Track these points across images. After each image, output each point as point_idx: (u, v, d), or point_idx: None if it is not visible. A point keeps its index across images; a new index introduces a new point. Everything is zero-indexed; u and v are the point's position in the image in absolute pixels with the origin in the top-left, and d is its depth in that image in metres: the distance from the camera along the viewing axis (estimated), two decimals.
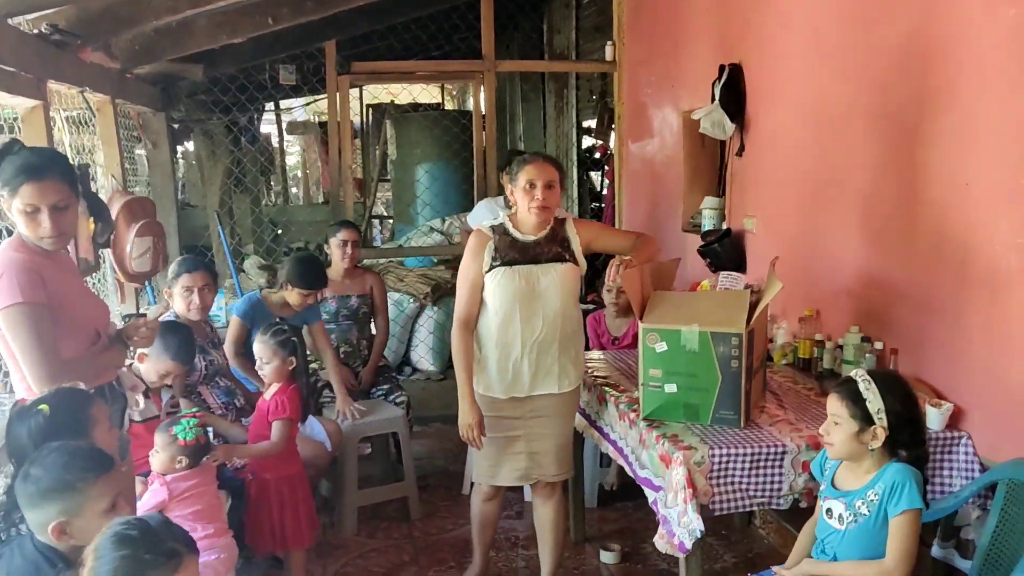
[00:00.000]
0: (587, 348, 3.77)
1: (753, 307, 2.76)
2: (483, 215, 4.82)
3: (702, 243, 4.19)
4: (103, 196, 3.87)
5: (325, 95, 5.54)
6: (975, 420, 2.64)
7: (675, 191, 4.87)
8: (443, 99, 12.52)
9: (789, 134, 3.68)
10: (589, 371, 3.40)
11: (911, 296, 2.92)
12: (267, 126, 10.88)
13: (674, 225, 4.86)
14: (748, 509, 2.66)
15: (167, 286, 3.64)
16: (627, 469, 2.97)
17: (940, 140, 2.73)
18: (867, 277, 3.18)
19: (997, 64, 2.48)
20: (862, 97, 3.13)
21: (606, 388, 3.19)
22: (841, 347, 3.15)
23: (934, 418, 2.62)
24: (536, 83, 8.68)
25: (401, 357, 6.58)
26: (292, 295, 3.92)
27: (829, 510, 2.24)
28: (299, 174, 13.95)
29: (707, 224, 4.40)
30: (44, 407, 2.05)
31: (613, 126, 5.97)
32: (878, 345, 3.01)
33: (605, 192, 6.32)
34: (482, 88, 5.65)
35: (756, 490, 2.59)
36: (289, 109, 11.42)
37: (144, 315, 3.12)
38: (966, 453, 2.62)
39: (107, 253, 3.88)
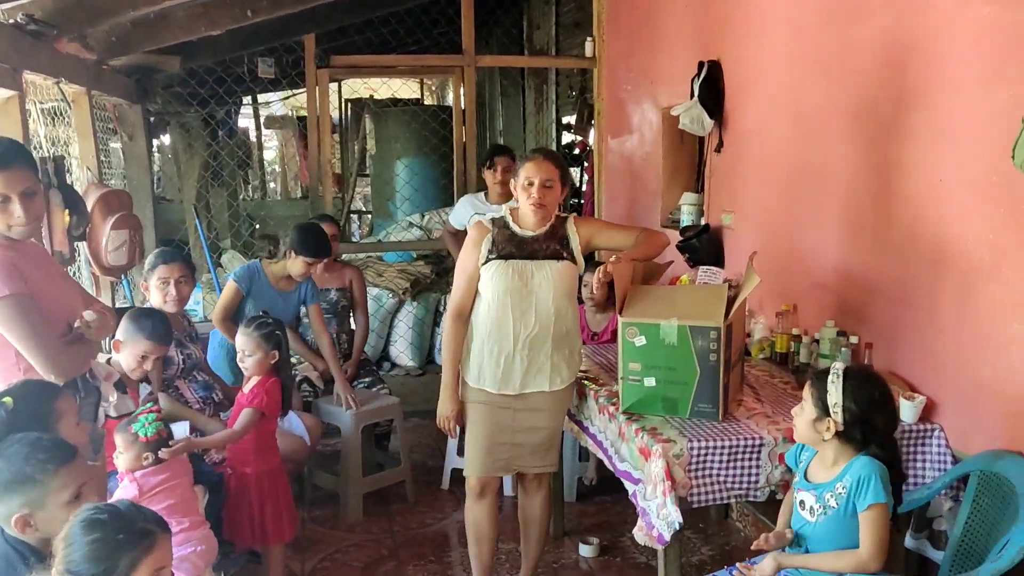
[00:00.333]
0: None
1: (731, 302, 2.79)
2: (464, 212, 4.82)
3: (681, 238, 4.22)
4: (78, 188, 3.83)
5: (304, 89, 5.51)
6: (947, 412, 2.68)
7: (654, 187, 4.90)
8: (423, 94, 12.48)
9: (767, 130, 3.71)
10: None
11: (886, 291, 2.96)
12: (245, 120, 10.78)
13: (653, 221, 4.88)
14: (726, 501, 2.69)
15: (143, 279, 3.61)
16: (606, 463, 2.99)
17: (915, 137, 2.77)
18: (843, 272, 3.22)
19: (971, 62, 2.51)
20: (839, 94, 3.17)
21: (585, 382, 3.20)
22: (817, 341, 3.18)
23: (907, 411, 2.66)
24: (516, 79, 8.68)
25: (380, 352, 6.56)
26: (296, 264, 3.88)
27: (802, 502, 2.28)
28: (277, 169, 13.84)
29: (686, 220, 4.43)
30: (7, 400, 2.04)
31: (593, 122, 5.99)
32: (853, 339, 3.05)
33: (585, 188, 6.34)
34: (462, 83, 5.64)
35: (734, 482, 2.61)
36: (267, 103, 11.33)
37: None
38: (938, 445, 2.66)
39: (82, 246, 3.84)
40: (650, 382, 2.78)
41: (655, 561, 2.73)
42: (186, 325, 3.77)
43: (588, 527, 3.89)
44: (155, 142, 8.35)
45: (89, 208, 3.67)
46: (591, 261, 3.36)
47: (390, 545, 3.76)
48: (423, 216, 7.34)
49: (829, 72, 3.23)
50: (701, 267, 3.40)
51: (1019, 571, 2.08)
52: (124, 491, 2.60)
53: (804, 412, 2.23)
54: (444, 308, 6.62)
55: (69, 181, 3.73)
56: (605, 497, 4.15)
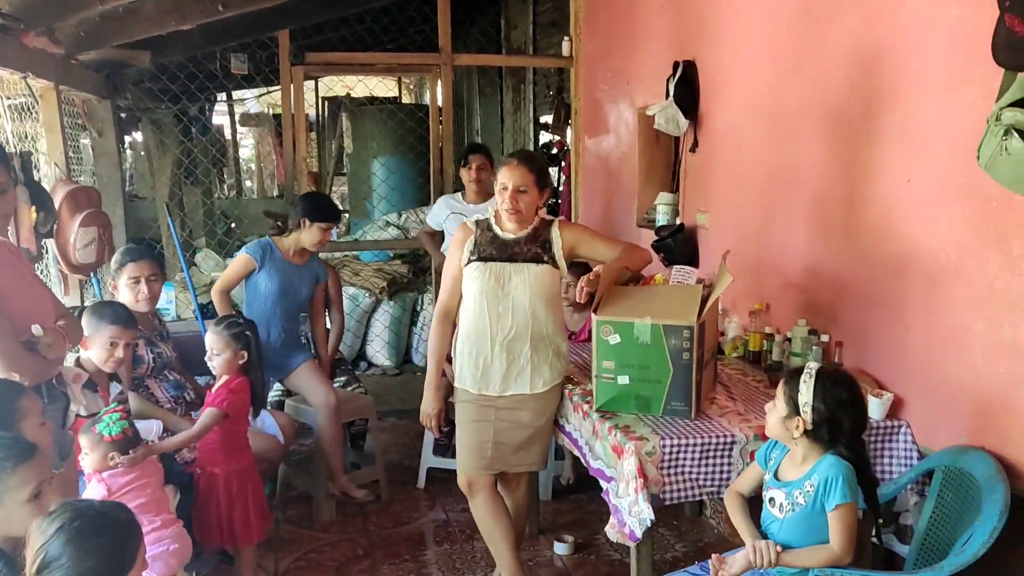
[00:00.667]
0: None
1: (705, 301, 2.81)
2: (441, 212, 4.82)
3: (656, 238, 4.24)
4: (46, 185, 3.78)
5: (278, 86, 5.47)
6: (914, 409, 2.71)
7: (630, 186, 4.91)
8: (400, 92, 12.44)
9: (741, 131, 3.73)
10: None
11: (855, 290, 2.99)
12: (219, 117, 10.69)
13: (629, 220, 4.90)
14: (698, 498, 2.71)
15: (112, 278, 3.57)
16: (582, 460, 2.99)
17: (884, 137, 2.80)
18: (814, 271, 3.24)
19: (938, 63, 2.55)
20: (811, 95, 3.19)
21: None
22: (790, 340, 3.21)
23: (875, 408, 2.69)
24: (493, 78, 8.68)
25: (356, 352, 6.54)
26: (309, 234, 3.85)
27: (772, 499, 2.30)
28: (253, 167, 13.75)
29: (661, 219, 4.45)
30: None
31: (570, 121, 6.00)
32: (824, 338, 3.07)
33: (562, 188, 6.34)
34: (439, 82, 5.63)
35: (706, 479, 2.63)
36: (242, 100, 11.24)
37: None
38: (905, 441, 2.69)
39: (50, 244, 3.79)
40: (624, 380, 2.79)
41: (629, 558, 2.74)
42: (157, 324, 3.74)
43: (563, 525, 3.89)
44: (127, 139, 8.26)
45: (57, 205, 3.62)
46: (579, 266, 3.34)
47: (365, 544, 3.75)
48: (400, 215, 7.33)
49: (802, 73, 3.25)
50: (675, 266, 3.41)
51: (981, 564, 2.11)
52: (92, 492, 2.57)
53: (776, 409, 2.26)
54: (421, 307, 6.64)
55: (37, 177, 3.68)
56: (580, 495, 4.16)
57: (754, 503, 2.47)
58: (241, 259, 3.88)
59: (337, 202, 10.80)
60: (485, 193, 4.71)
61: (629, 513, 2.54)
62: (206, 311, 5.10)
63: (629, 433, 2.64)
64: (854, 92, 2.94)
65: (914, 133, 2.66)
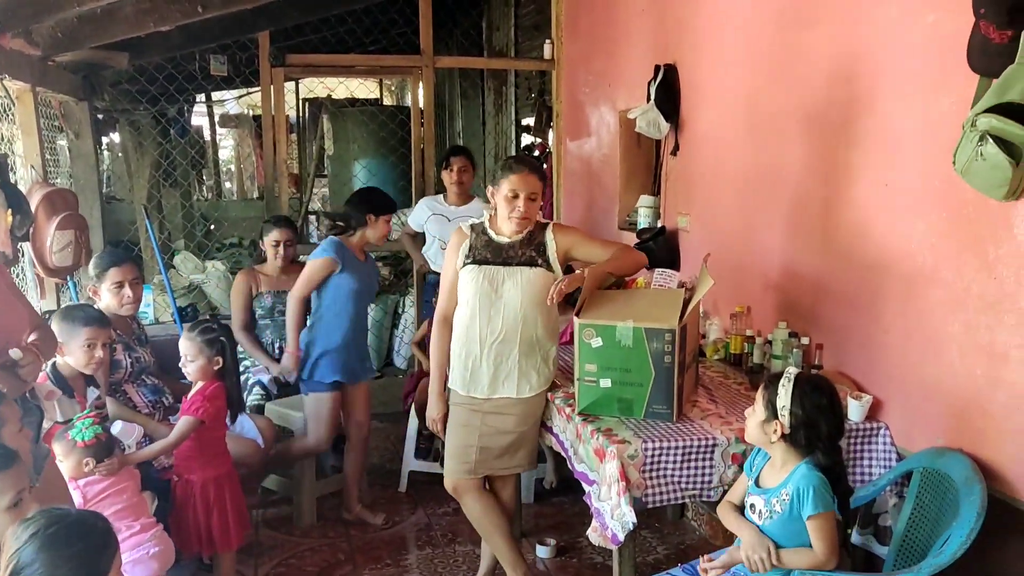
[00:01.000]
0: None
1: (686, 304, 2.82)
2: (422, 214, 4.81)
3: (638, 241, 4.25)
4: (22, 187, 3.73)
5: (259, 88, 5.43)
6: (892, 411, 2.74)
7: (612, 189, 4.93)
8: (381, 94, 12.40)
9: (722, 134, 3.75)
10: None
11: (834, 292, 3.02)
12: (199, 118, 10.61)
13: (611, 223, 4.91)
14: (680, 501, 2.72)
15: (92, 284, 3.53)
16: (568, 463, 3.00)
17: (862, 142, 2.83)
18: (794, 274, 3.27)
19: (915, 69, 2.57)
20: (790, 99, 3.22)
21: None
22: (770, 342, 3.23)
23: (855, 410, 2.72)
24: (475, 80, 8.66)
25: None
26: (376, 229, 3.81)
27: (752, 505, 2.31)
28: (233, 168, 13.64)
29: (643, 222, 4.46)
30: None
31: (551, 124, 6.00)
32: (804, 340, 3.10)
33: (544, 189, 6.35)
34: (420, 84, 5.62)
35: (688, 482, 2.64)
36: (222, 101, 11.15)
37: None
38: (884, 443, 2.72)
39: (26, 247, 3.74)
40: (606, 383, 2.80)
41: (611, 561, 2.74)
42: (135, 328, 3.71)
43: (545, 528, 3.90)
44: (104, 140, 8.18)
45: (33, 208, 3.57)
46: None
47: (346, 549, 3.73)
48: None
49: (781, 77, 3.28)
50: (657, 269, 3.43)
51: (959, 566, 2.14)
52: None
53: (755, 413, 2.28)
54: (403, 310, 6.61)
55: (13, 180, 3.63)
56: (562, 498, 4.16)
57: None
58: (321, 262, 3.76)
59: (318, 204, 10.81)
60: (466, 195, 4.71)
61: (611, 516, 2.55)
62: (185, 314, 5.06)
63: (611, 436, 2.65)
64: (832, 97, 2.97)
65: (891, 138, 2.69)
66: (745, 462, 2.52)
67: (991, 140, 2.08)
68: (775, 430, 2.20)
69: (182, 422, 2.99)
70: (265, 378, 4.25)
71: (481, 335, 2.96)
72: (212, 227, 8.62)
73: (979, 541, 2.14)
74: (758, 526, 2.27)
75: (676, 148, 4.12)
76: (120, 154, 7.67)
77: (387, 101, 12.15)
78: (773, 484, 2.26)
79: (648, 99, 4.10)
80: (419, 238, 4.96)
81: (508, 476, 3.20)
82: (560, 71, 5.70)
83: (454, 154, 4.77)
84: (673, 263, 4.13)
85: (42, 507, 1.69)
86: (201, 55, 5.53)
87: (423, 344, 4.34)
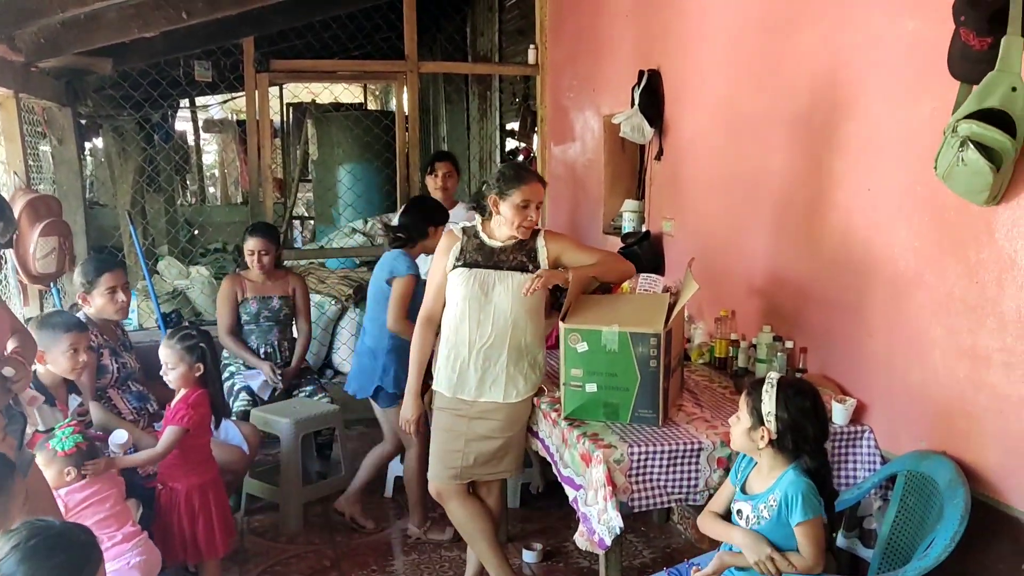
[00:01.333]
0: None
1: (671, 308, 2.83)
2: None
3: (622, 245, 4.27)
4: (5, 194, 3.71)
5: (243, 92, 5.42)
6: (877, 414, 2.76)
7: (596, 194, 4.94)
8: (366, 99, 12.39)
9: (705, 139, 3.78)
10: None
11: (818, 296, 3.04)
12: (183, 123, 10.56)
13: (595, 227, 4.93)
14: (666, 505, 2.72)
15: (83, 290, 3.52)
16: (553, 468, 3.00)
17: (845, 147, 2.85)
18: (779, 278, 3.29)
19: (897, 75, 2.60)
20: (774, 104, 3.24)
21: None
22: (755, 346, 3.25)
23: (839, 413, 2.74)
24: (460, 85, 8.67)
25: (322, 360, 6.48)
26: (436, 239, 3.57)
27: (739, 511, 2.32)
28: (216, 173, 13.58)
29: (627, 226, 4.48)
30: None
31: (536, 129, 6.02)
32: (789, 344, 3.12)
33: None
34: (404, 89, 5.62)
35: (673, 486, 2.65)
36: (206, 106, 11.11)
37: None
38: (868, 446, 2.74)
39: (9, 254, 3.71)
40: (591, 388, 2.80)
41: (597, 565, 2.75)
42: (120, 335, 3.69)
43: (531, 533, 3.89)
44: (88, 145, 8.11)
45: (16, 215, 3.55)
46: None
47: (332, 556, 3.72)
48: (366, 222, 7.28)
49: (764, 83, 3.30)
50: (642, 275, 3.45)
51: (943, 569, 2.16)
52: None
53: (740, 421, 2.28)
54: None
55: None
56: (549, 502, 4.16)
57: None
58: (405, 281, 3.65)
59: (302, 209, 10.78)
60: (451, 200, 4.71)
61: (598, 521, 2.56)
62: (169, 320, 5.03)
63: (597, 441, 2.65)
64: (815, 102, 2.99)
65: (874, 143, 2.71)
66: (731, 472, 2.53)
67: (972, 146, 2.11)
68: (762, 436, 2.21)
69: (168, 432, 2.98)
70: (256, 383, 4.23)
71: (470, 339, 2.97)
72: (196, 232, 8.59)
73: (963, 544, 2.16)
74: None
75: (660, 153, 4.15)
76: (103, 159, 7.61)
77: (372, 106, 12.14)
78: (760, 490, 2.27)
79: (632, 104, 4.12)
80: None
81: (494, 481, 3.20)
82: (544, 76, 5.72)
83: (439, 159, 4.76)
84: (658, 267, 4.15)
85: (27, 516, 1.68)
86: (185, 61, 5.51)
87: None
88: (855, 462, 2.75)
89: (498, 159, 7.63)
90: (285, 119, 10.44)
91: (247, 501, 4.12)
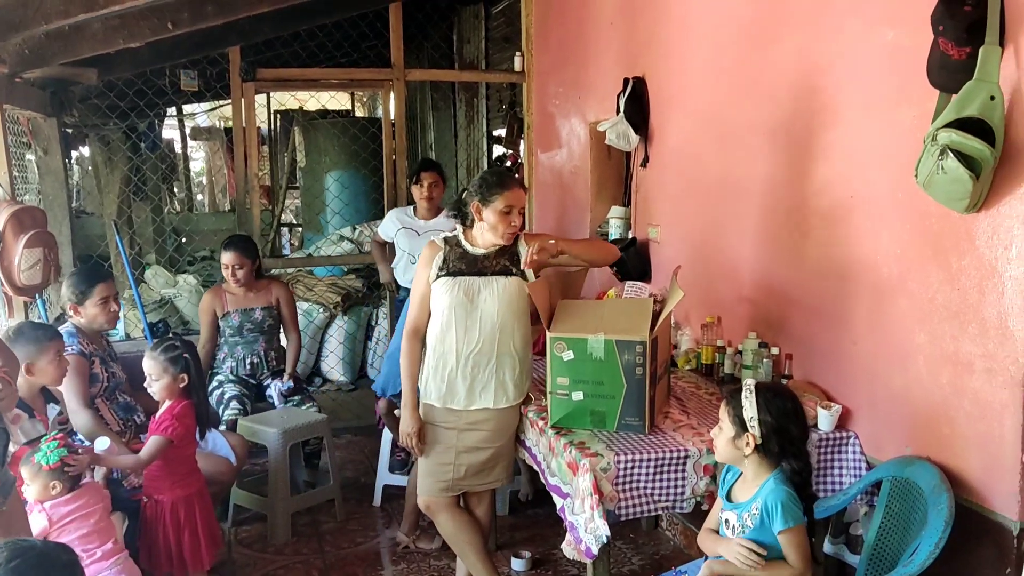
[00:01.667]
0: None
1: (657, 315, 2.84)
2: (392, 225, 4.81)
3: None
4: None
5: (230, 100, 5.41)
6: (862, 420, 2.78)
7: (583, 200, 4.96)
8: (353, 106, 12.37)
9: (690, 146, 3.79)
10: None
11: (803, 303, 3.06)
12: (170, 131, 10.52)
13: (582, 234, 4.94)
14: (653, 514, 2.74)
15: (75, 301, 3.50)
16: (541, 477, 3.01)
17: (827, 154, 2.87)
18: (764, 285, 3.31)
19: (877, 85, 2.62)
20: (758, 112, 3.26)
21: None
22: (741, 352, 3.26)
23: (824, 419, 2.75)
24: (446, 92, 8.68)
25: (311, 368, 6.47)
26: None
27: (726, 520, 2.33)
28: (204, 181, 13.54)
29: (614, 233, 4.49)
30: None
31: (523, 136, 6.03)
32: (774, 350, 3.13)
33: None
34: (391, 97, 5.62)
35: (660, 494, 2.66)
36: (192, 115, 11.08)
37: None
38: (854, 452, 2.76)
39: None
40: (578, 396, 2.81)
41: (586, 573, 2.75)
42: (105, 344, 3.68)
43: (520, 541, 3.89)
44: (74, 154, 8.09)
45: (1, 226, 3.54)
46: None
47: (320, 566, 3.70)
48: (354, 229, 7.27)
49: (748, 90, 3.32)
50: (627, 282, 3.47)
51: (929, 575, 2.17)
52: (33, 522, 2.51)
53: (723, 432, 2.29)
54: (376, 322, 6.59)
55: None
56: (537, 510, 4.17)
57: (699, 516, 2.49)
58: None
59: (290, 216, 10.76)
60: (436, 210, 4.71)
61: (585, 530, 2.56)
62: (156, 329, 5.02)
63: (584, 449, 2.66)
64: (798, 110, 3.01)
65: (855, 151, 2.74)
66: (718, 480, 2.54)
67: (951, 154, 2.13)
68: (747, 443, 2.22)
69: (152, 441, 2.97)
70: (275, 390, 4.31)
71: (458, 347, 2.97)
72: (184, 241, 8.56)
73: (947, 549, 2.18)
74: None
75: (646, 160, 4.16)
76: (90, 169, 7.58)
77: (359, 113, 12.12)
78: (744, 498, 2.28)
79: (618, 111, 4.14)
80: (388, 247, 4.96)
81: (484, 492, 3.20)
82: (530, 83, 5.74)
83: (424, 169, 4.76)
84: (644, 273, 4.16)
85: (5, 537, 1.67)
86: (171, 70, 5.49)
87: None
88: (841, 468, 2.77)
89: (485, 166, 7.63)
90: (272, 127, 10.42)
91: (234, 511, 4.10)
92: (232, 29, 4.91)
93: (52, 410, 3.04)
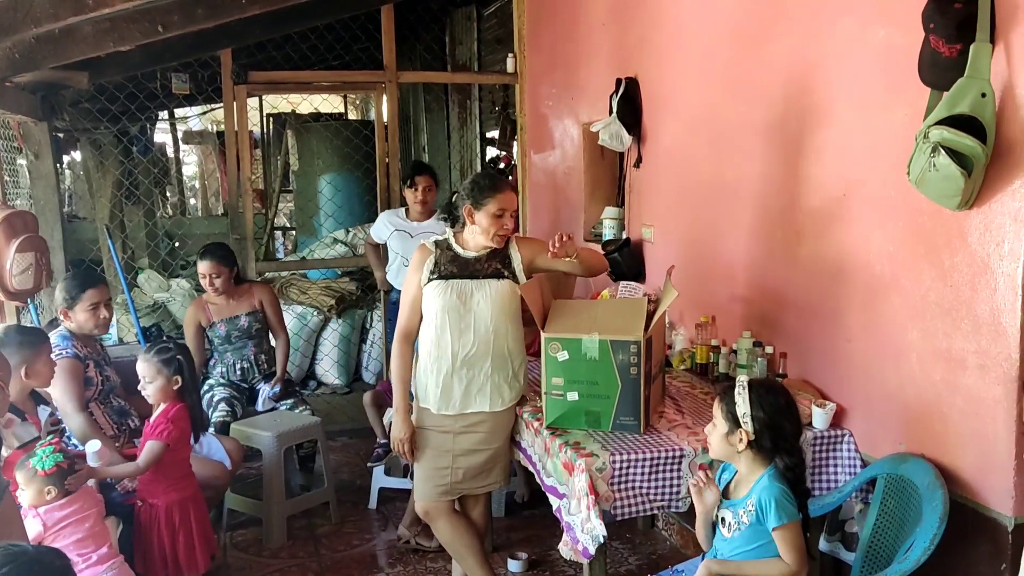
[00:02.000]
0: None
1: (651, 315, 2.85)
2: (384, 228, 4.79)
3: (603, 252, 4.28)
4: None
5: (221, 104, 5.39)
6: (856, 418, 2.78)
7: (576, 201, 4.96)
8: (346, 108, 12.36)
9: (683, 146, 3.80)
10: None
11: (797, 302, 3.06)
12: (162, 135, 10.49)
13: (576, 235, 4.93)
14: (649, 513, 2.73)
15: (65, 306, 3.49)
16: (536, 478, 3.00)
17: (820, 153, 2.88)
18: (758, 284, 3.31)
19: (869, 82, 2.63)
20: (749, 111, 3.27)
21: None
22: (735, 352, 3.27)
23: (819, 417, 2.76)
24: (439, 94, 8.68)
25: (305, 371, 6.46)
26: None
27: (723, 519, 2.32)
28: (197, 185, 13.50)
29: (608, 234, 4.50)
30: None
31: (516, 137, 6.04)
32: (769, 349, 3.14)
33: None
34: (384, 99, 5.62)
35: (656, 494, 2.66)
36: (185, 118, 11.05)
37: None
38: (848, 450, 2.76)
39: None
40: (573, 396, 2.81)
41: (583, 574, 2.75)
42: (100, 349, 3.67)
43: (517, 542, 3.89)
44: (66, 158, 8.06)
45: None
46: None
47: (316, 569, 3.69)
48: (348, 232, 7.27)
49: (740, 90, 3.33)
50: (621, 282, 3.47)
51: (924, 571, 2.17)
52: (28, 527, 2.50)
53: (716, 428, 2.29)
54: (370, 325, 6.59)
55: None
56: (533, 511, 4.16)
57: (695, 515, 2.48)
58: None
59: (284, 220, 10.74)
60: (430, 212, 4.70)
61: (582, 530, 2.56)
62: (149, 334, 5.00)
63: (579, 450, 2.66)
64: (790, 109, 3.02)
65: (848, 149, 2.74)
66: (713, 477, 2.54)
67: (943, 151, 2.13)
68: (741, 439, 2.22)
69: (149, 446, 2.96)
70: (262, 395, 4.30)
71: (453, 349, 2.96)
72: (176, 244, 8.54)
73: (942, 545, 2.18)
74: (728, 539, 2.28)
75: (639, 160, 4.17)
76: (81, 173, 7.56)
77: (352, 115, 12.11)
78: (740, 496, 2.28)
79: (610, 112, 4.14)
80: (381, 249, 4.95)
81: (481, 494, 3.20)
82: (523, 84, 5.74)
83: (419, 172, 4.73)
84: (639, 274, 4.17)
85: None
86: (163, 73, 5.48)
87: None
88: (835, 466, 2.77)
89: (479, 167, 7.64)
90: (265, 130, 10.41)
91: (229, 516, 4.09)
92: (223, 32, 4.90)
93: (43, 412, 3.03)
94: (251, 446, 3.96)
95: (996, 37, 2.17)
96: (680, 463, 2.66)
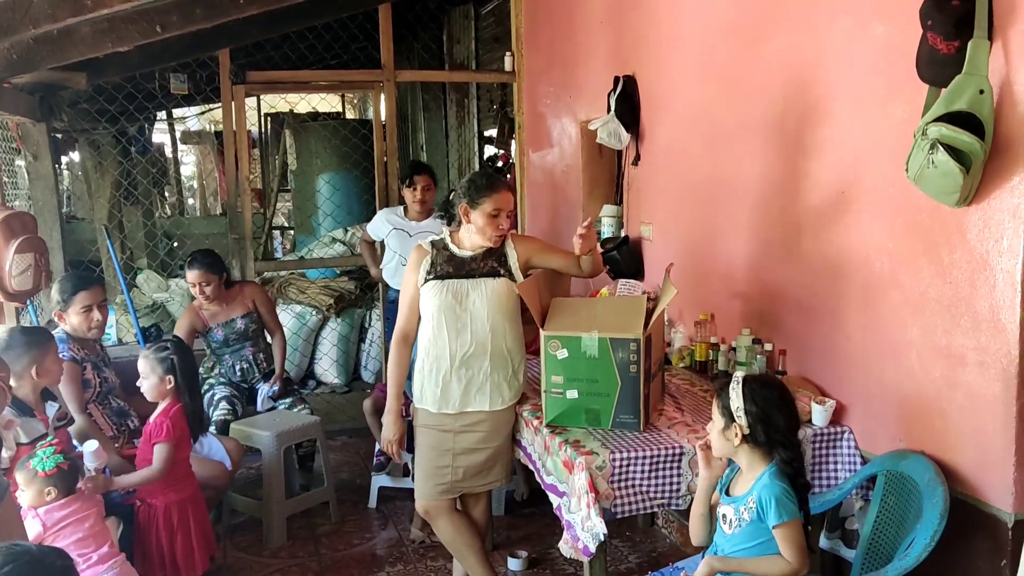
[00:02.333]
0: None
1: (650, 313, 2.85)
2: (382, 226, 4.80)
3: (601, 250, 4.28)
4: None
5: (220, 104, 5.39)
6: (856, 415, 2.78)
7: (575, 199, 4.96)
8: (344, 108, 12.35)
9: (681, 144, 3.80)
10: None
11: (796, 299, 3.06)
12: (160, 135, 10.48)
13: (574, 233, 4.93)
14: (649, 511, 2.73)
15: (59, 308, 3.49)
16: (536, 476, 3.01)
17: (818, 151, 2.88)
18: (757, 281, 3.31)
19: (868, 79, 2.63)
20: (748, 109, 3.27)
21: None
22: (735, 349, 3.27)
23: (818, 415, 2.76)
24: (437, 93, 8.68)
25: (304, 371, 6.46)
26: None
27: (724, 515, 2.32)
28: (195, 185, 13.49)
29: (606, 232, 4.50)
30: None
31: (514, 135, 6.04)
32: (768, 346, 3.14)
33: None
34: (382, 98, 5.62)
35: (656, 492, 2.66)
36: (183, 118, 11.04)
37: None
38: (848, 447, 2.76)
39: None
40: (572, 394, 2.81)
41: (583, 572, 2.75)
42: (99, 350, 3.67)
43: (517, 540, 3.89)
44: (64, 159, 8.05)
45: None
46: None
47: (316, 568, 3.70)
48: (346, 231, 7.27)
49: (738, 88, 3.33)
50: (620, 280, 3.46)
51: (924, 568, 2.18)
52: (28, 528, 2.50)
53: (714, 424, 2.29)
54: (369, 324, 6.59)
55: None
56: (533, 509, 4.17)
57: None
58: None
59: (282, 219, 10.74)
60: (428, 212, 4.70)
61: (582, 528, 2.56)
62: (148, 334, 5.00)
63: (579, 448, 2.66)
64: (788, 107, 3.02)
65: (846, 147, 2.74)
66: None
67: (942, 148, 2.13)
68: (736, 433, 2.22)
69: (157, 450, 2.97)
70: (260, 395, 4.30)
71: (451, 350, 2.96)
72: (175, 245, 8.53)
73: (942, 542, 2.18)
74: (729, 536, 2.28)
75: (637, 158, 4.17)
76: (80, 173, 7.55)
77: (350, 115, 12.10)
78: (741, 492, 2.28)
79: (608, 110, 4.14)
80: (377, 245, 4.95)
81: (481, 492, 3.20)
82: (521, 83, 5.73)
83: (417, 172, 4.73)
84: (637, 272, 4.17)
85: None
86: (161, 73, 5.48)
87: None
88: (836, 463, 2.78)
89: (477, 166, 7.64)
90: (263, 130, 10.40)
91: (229, 515, 4.09)
92: (221, 32, 4.90)
93: (51, 407, 3.04)
94: (251, 446, 3.96)
95: (994, 33, 2.17)
96: (680, 461, 2.67)
